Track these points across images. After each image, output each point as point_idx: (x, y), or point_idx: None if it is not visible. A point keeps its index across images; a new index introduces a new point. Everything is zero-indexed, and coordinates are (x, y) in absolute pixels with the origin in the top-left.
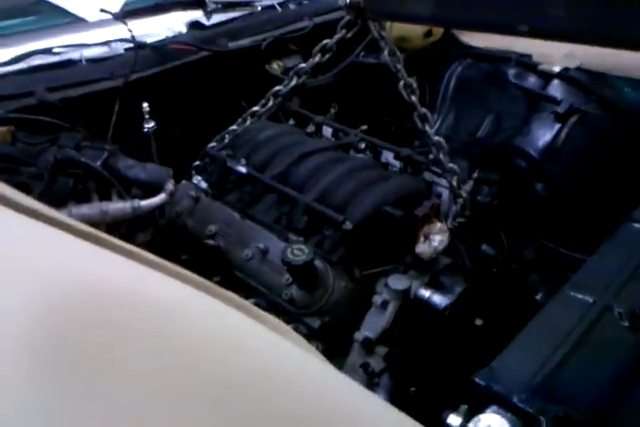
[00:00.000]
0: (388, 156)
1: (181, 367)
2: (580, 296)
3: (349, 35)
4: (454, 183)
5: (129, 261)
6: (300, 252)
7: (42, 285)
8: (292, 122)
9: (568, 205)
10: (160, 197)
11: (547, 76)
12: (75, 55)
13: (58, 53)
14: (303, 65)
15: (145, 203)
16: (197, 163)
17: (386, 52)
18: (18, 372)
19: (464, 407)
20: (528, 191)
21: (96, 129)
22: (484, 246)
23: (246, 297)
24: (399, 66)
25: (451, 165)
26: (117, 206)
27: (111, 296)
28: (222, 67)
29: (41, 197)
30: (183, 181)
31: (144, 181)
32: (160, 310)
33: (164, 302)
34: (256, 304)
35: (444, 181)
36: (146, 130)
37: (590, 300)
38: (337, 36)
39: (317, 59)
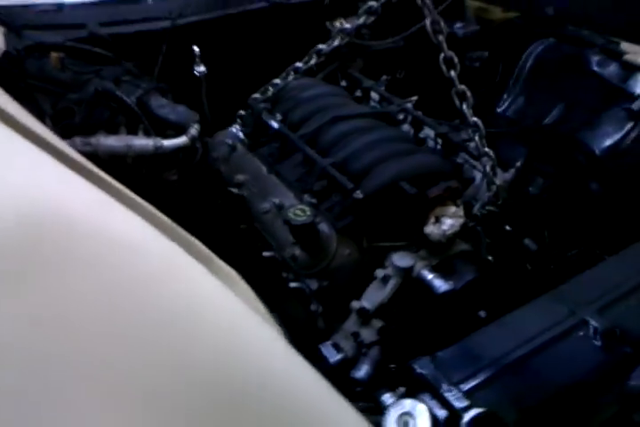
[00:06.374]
0: (429, 131)
1: (119, 296)
2: (560, 304)
3: None
4: (488, 169)
5: (104, 195)
6: (301, 213)
7: (9, 197)
8: (344, 83)
9: (621, 211)
10: (181, 139)
11: (630, 68)
12: None
13: None
14: (348, 26)
15: (167, 142)
16: (242, 112)
17: (428, 22)
18: None
19: (401, 390)
20: (582, 190)
21: (149, 67)
22: (526, 240)
23: (261, 249)
24: (440, 37)
25: (486, 149)
26: (141, 142)
27: (72, 222)
28: (281, 19)
29: (80, 124)
30: (229, 129)
31: (172, 121)
32: (115, 243)
33: (121, 236)
34: (270, 257)
35: (480, 166)
36: (197, 73)
37: (567, 309)
38: None
39: (362, 20)
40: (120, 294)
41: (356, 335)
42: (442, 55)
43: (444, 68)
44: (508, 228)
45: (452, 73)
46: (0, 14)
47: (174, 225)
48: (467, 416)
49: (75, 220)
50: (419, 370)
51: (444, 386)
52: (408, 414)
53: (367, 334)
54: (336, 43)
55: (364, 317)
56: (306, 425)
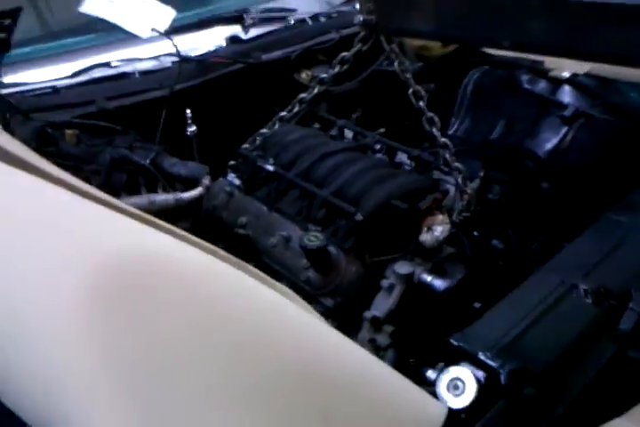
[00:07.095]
0: (402, 156)
1: (203, 319)
2: (551, 276)
3: (365, 48)
4: (460, 181)
5: (168, 236)
6: (315, 238)
7: (95, 250)
8: (317, 125)
9: (571, 203)
10: (198, 190)
11: (556, 82)
12: (129, 68)
13: (115, 67)
14: (324, 75)
15: (186, 195)
16: (232, 162)
17: (396, 64)
18: (80, 309)
19: (441, 364)
20: (535, 190)
21: (147, 132)
22: (494, 241)
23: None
24: (408, 75)
25: (456, 164)
26: (162, 197)
27: (150, 260)
28: (256, 76)
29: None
30: (220, 179)
31: (185, 176)
32: (188, 272)
33: (192, 266)
34: None
35: (451, 179)
36: (188, 133)
37: (558, 279)
38: (354, 49)
39: (337, 69)
40: (207, 306)
41: (372, 341)
42: (410, 90)
43: (413, 99)
44: (475, 233)
45: (421, 103)
46: (3, 101)
47: (227, 254)
48: (503, 372)
49: (158, 256)
50: (456, 343)
51: (480, 352)
52: (456, 379)
53: (382, 339)
54: (315, 91)
55: (377, 324)
56: (389, 392)
